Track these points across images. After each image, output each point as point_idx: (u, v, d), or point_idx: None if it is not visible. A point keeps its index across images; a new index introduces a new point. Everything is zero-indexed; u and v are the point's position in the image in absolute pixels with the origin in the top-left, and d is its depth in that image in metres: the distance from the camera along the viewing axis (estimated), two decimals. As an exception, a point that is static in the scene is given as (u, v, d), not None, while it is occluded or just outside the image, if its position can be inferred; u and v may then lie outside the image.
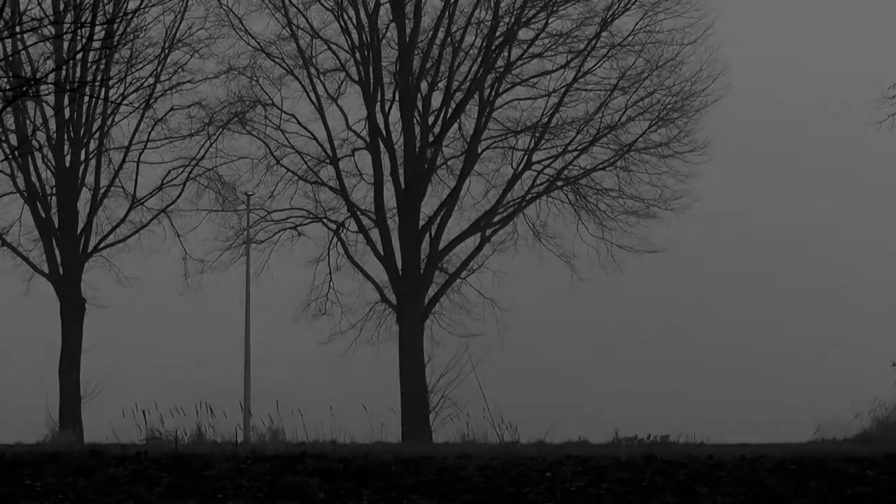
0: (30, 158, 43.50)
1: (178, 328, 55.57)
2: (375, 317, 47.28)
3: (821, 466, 15.50)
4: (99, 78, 42.56)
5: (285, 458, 15.81)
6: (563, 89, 47.03)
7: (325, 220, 47.38)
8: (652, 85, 47.01)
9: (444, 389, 45.56)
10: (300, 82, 47.00)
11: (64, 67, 41.15)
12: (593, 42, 46.82)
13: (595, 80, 47.44)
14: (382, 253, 46.34)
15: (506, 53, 46.95)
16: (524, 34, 47.14)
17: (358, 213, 46.85)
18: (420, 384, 45.44)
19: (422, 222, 46.62)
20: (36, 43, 40.32)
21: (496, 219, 47.40)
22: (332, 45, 47.13)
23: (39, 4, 33.15)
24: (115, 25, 41.19)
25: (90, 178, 44.27)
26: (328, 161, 47.07)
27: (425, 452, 17.51)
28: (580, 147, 47.27)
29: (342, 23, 46.81)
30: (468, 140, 47.01)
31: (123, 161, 44.71)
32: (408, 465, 15.44)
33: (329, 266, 47.43)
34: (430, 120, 46.89)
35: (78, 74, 42.64)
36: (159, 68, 44.39)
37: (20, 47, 39.78)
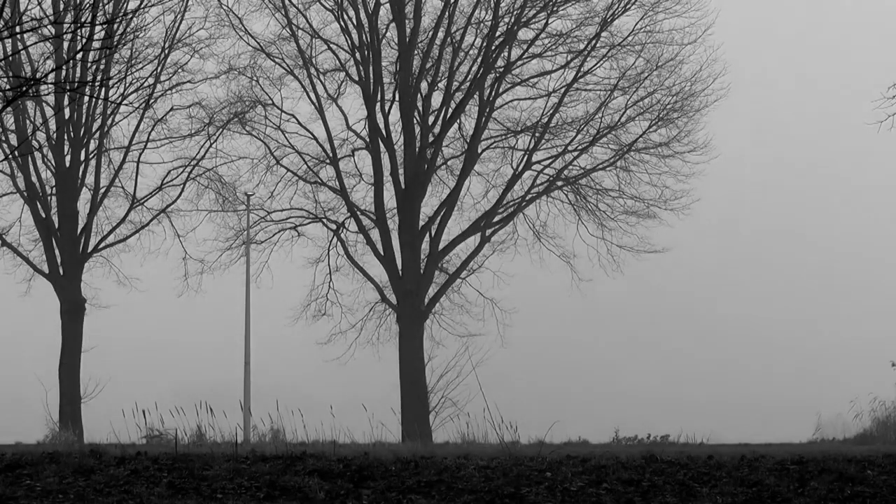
0: (30, 158, 43.50)
1: (178, 328, 55.60)
2: (375, 317, 47.38)
3: (821, 466, 15.50)
4: (99, 78, 42.53)
5: (285, 458, 15.82)
6: (563, 89, 47.07)
7: (324, 221, 47.40)
8: (652, 85, 47.08)
9: (444, 389, 45.64)
10: (300, 82, 47.06)
11: (64, 67, 41.12)
12: (593, 42, 46.86)
13: (595, 80, 47.52)
14: (382, 253, 46.34)
15: (506, 53, 46.96)
16: (524, 34, 47.20)
17: (358, 213, 46.85)
18: (420, 384, 45.46)
19: (422, 222, 46.63)
20: (36, 43, 40.42)
21: (496, 219, 47.42)
22: (332, 45, 47.21)
23: (39, 4, 32.99)
24: (115, 25, 41.17)
25: (90, 178, 44.33)
26: (328, 161, 47.09)
27: (425, 452, 17.51)
28: (580, 147, 47.30)
29: (342, 23, 46.84)
30: (468, 140, 47.02)
31: (123, 161, 44.78)
32: (408, 465, 15.45)
33: (329, 266, 47.49)
34: (430, 120, 46.89)
35: (78, 74, 42.61)
36: (159, 68, 44.44)
37: (20, 47, 39.81)
